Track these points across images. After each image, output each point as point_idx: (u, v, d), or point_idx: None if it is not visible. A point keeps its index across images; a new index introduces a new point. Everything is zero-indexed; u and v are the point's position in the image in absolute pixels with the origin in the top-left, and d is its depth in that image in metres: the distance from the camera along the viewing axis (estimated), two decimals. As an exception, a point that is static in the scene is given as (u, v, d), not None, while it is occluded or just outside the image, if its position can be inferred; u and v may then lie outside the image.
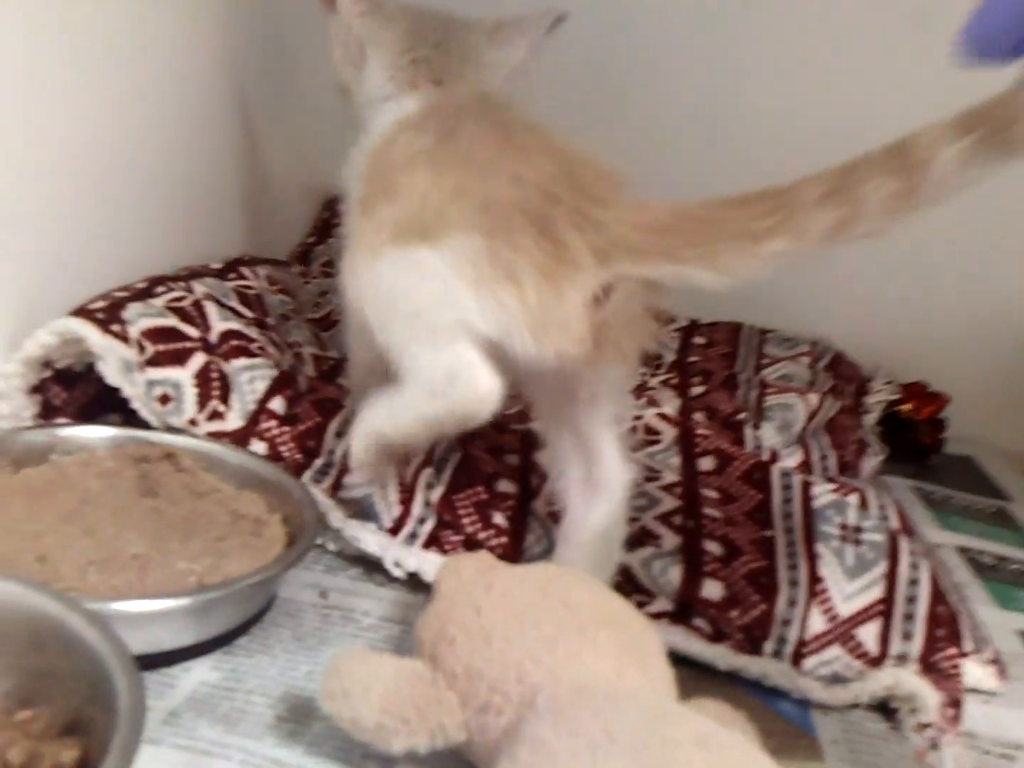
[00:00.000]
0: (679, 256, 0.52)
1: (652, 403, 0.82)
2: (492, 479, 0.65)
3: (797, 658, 0.58)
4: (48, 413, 0.64)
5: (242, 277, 0.81)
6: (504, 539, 0.61)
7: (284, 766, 0.44)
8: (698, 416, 0.82)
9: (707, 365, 0.99)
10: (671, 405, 0.82)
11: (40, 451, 0.59)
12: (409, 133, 0.60)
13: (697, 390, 0.89)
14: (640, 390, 0.85)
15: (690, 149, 1.10)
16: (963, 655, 0.59)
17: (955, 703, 0.56)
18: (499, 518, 0.62)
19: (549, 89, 0.72)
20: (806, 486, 0.67)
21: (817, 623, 0.59)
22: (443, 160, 0.56)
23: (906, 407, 1.07)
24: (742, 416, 0.85)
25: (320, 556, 0.62)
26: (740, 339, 1.08)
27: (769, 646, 0.58)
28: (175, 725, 0.46)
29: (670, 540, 0.62)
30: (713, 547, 0.62)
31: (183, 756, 0.44)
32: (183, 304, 0.68)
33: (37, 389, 0.63)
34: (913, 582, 0.61)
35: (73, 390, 0.65)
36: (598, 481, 0.59)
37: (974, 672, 0.60)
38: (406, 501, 0.63)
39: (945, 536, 0.86)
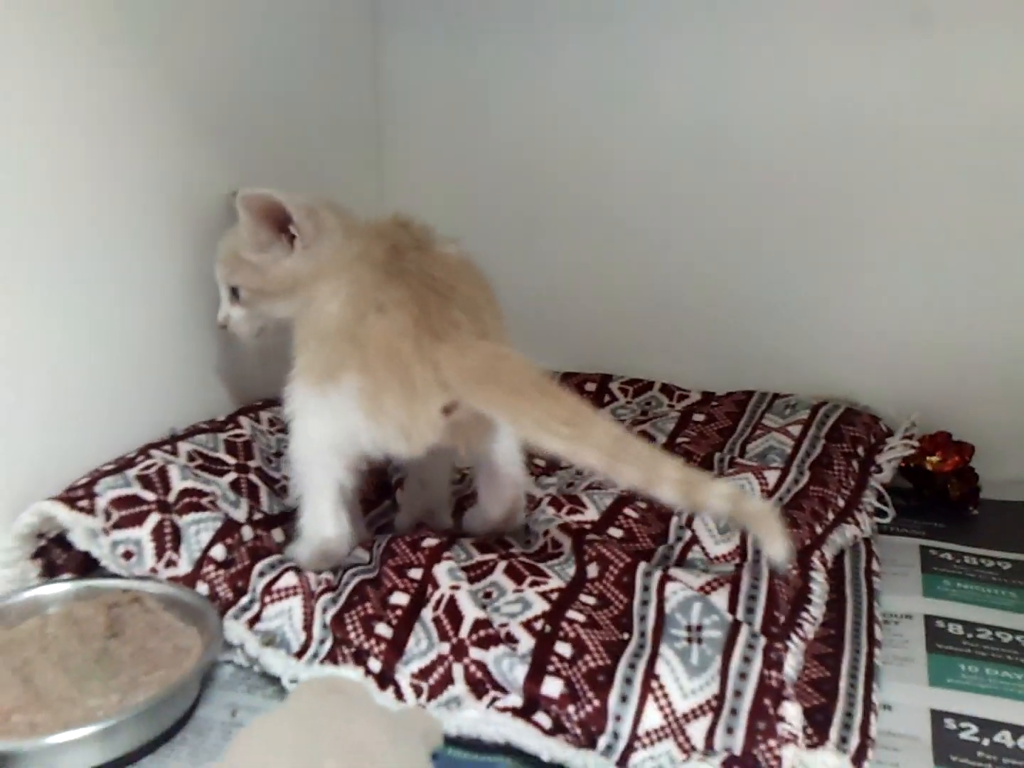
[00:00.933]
0: (475, 398, 0.72)
1: (572, 510, 0.88)
2: (389, 592, 0.75)
3: (628, 752, 0.63)
4: (52, 571, 0.81)
5: (238, 426, 0.97)
6: (384, 646, 0.71)
7: None
8: (633, 510, 0.87)
9: (692, 447, 1.03)
10: (601, 504, 0.88)
11: (28, 609, 0.76)
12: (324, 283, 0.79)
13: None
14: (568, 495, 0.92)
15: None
16: (787, 742, 0.61)
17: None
18: (383, 628, 0.72)
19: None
20: (661, 587, 0.72)
21: (652, 719, 0.64)
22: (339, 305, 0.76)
23: (933, 459, 1.06)
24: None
25: (247, 676, 0.75)
26: (745, 410, 1.11)
27: (603, 740, 0.63)
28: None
29: (526, 643, 0.69)
30: (564, 649, 0.68)
31: None
32: (149, 472, 0.84)
33: (39, 553, 0.81)
34: (742, 676, 0.65)
35: (71, 549, 0.82)
36: (494, 492, 0.82)
37: (828, 761, 0.62)
38: (308, 626, 0.74)
39: (920, 605, 0.85)
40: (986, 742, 0.67)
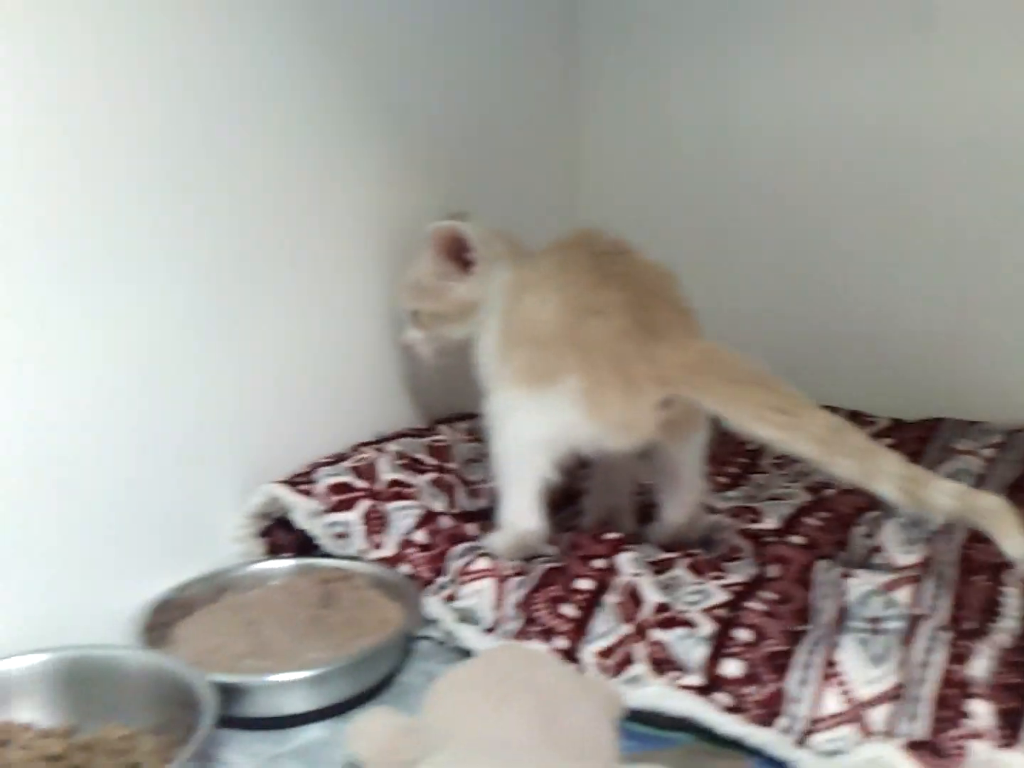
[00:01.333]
0: (694, 390, 0.77)
1: (753, 519, 0.90)
2: (575, 579, 0.79)
3: (808, 733, 0.64)
4: (275, 550, 0.91)
5: (438, 433, 1.05)
6: (570, 626, 0.75)
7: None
8: (813, 519, 0.88)
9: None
10: (780, 513, 0.90)
11: (255, 580, 0.85)
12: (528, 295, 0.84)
13: (829, 492, 0.94)
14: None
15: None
16: (977, 735, 0.61)
17: (941, 778, 0.59)
18: (568, 609, 0.76)
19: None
20: (842, 581, 0.73)
21: (832, 704, 0.65)
22: (553, 311, 0.82)
23: None
24: (871, 515, 0.89)
25: (443, 650, 0.80)
26: (935, 436, 1.09)
27: (782, 721, 0.65)
28: (274, 762, 0.67)
29: (706, 627, 0.71)
30: (743, 634, 0.70)
31: None
32: (361, 464, 0.93)
33: (265, 533, 0.90)
34: (924, 666, 0.65)
35: (292, 533, 0.91)
36: (676, 497, 0.87)
37: (1016, 762, 0.61)
38: (500, 605, 0.79)
39: None
40: None
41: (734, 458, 1.09)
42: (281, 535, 0.91)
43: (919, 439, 1.08)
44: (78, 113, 0.75)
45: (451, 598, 0.81)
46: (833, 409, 1.16)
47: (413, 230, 1.00)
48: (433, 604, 0.81)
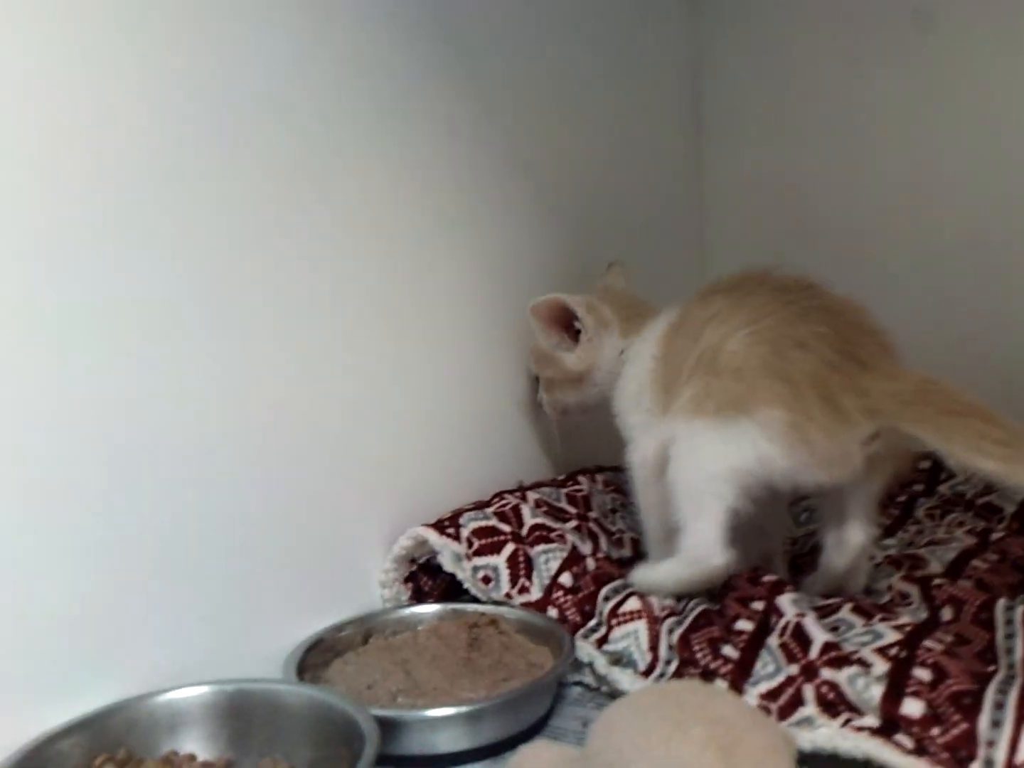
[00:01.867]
0: (906, 420, 0.74)
1: (914, 566, 0.85)
2: (733, 620, 0.76)
3: (1009, 778, 0.59)
4: (419, 596, 0.90)
5: (577, 483, 1.04)
6: (731, 667, 0.72)
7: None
8: (980, 561, 0.83)
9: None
10: (943, 559, 0.85)
11: (402, 624, 0.85)
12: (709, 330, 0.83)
13: (997, 534, 0.89)
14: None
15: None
16: None
17: None
18: (729, 650, 0.73)
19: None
20: (1029, 616, 0.68)
21: (1031, 744, 0.60)
22: (745, 343, 0.79)
23: None
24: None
25: (595, 696, 0.78)
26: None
27: (976, 766, 0.60)
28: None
29: (880, 666, 0.67)
30: (922, 673, 0.66)
31: None
32: (504, 509, 0.92)
33: (409, 579, 0.90)
34: None
35: (436, 578, 0.91)
36: (844, 540, 0.82)
37: None
38: (654, 647, 0.77)
39: None
40: None
41: (887, 509, 1.04)
42: (427, 580, 0.91)
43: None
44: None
45: (603, 641, 0.79)
46: None
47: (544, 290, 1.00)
48: (584, 647, 0.79)
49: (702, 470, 0.79)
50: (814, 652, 0.70)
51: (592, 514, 0.99)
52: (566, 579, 0.85)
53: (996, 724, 0.61)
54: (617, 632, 0.79)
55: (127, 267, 0.70)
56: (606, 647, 0.79)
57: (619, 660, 0.77)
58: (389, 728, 0.67)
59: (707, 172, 1.40)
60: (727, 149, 1.38)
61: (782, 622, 0.74)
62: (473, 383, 1.02)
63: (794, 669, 0.69)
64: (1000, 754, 0.60)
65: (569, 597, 0.84)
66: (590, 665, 0.78)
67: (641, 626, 0.79)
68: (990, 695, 0.63)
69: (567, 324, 0.97)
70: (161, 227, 0.72)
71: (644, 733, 0.54)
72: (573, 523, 0.95)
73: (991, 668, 0.66)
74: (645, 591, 0.82)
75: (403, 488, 0.93)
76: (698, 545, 0.80)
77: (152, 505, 0.72)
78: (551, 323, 0.97)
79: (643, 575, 0.84)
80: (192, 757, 0.67)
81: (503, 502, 0.94)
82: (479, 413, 1.03)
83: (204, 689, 0.70)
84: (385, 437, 0.91)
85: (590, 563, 0.88)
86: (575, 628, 0.82)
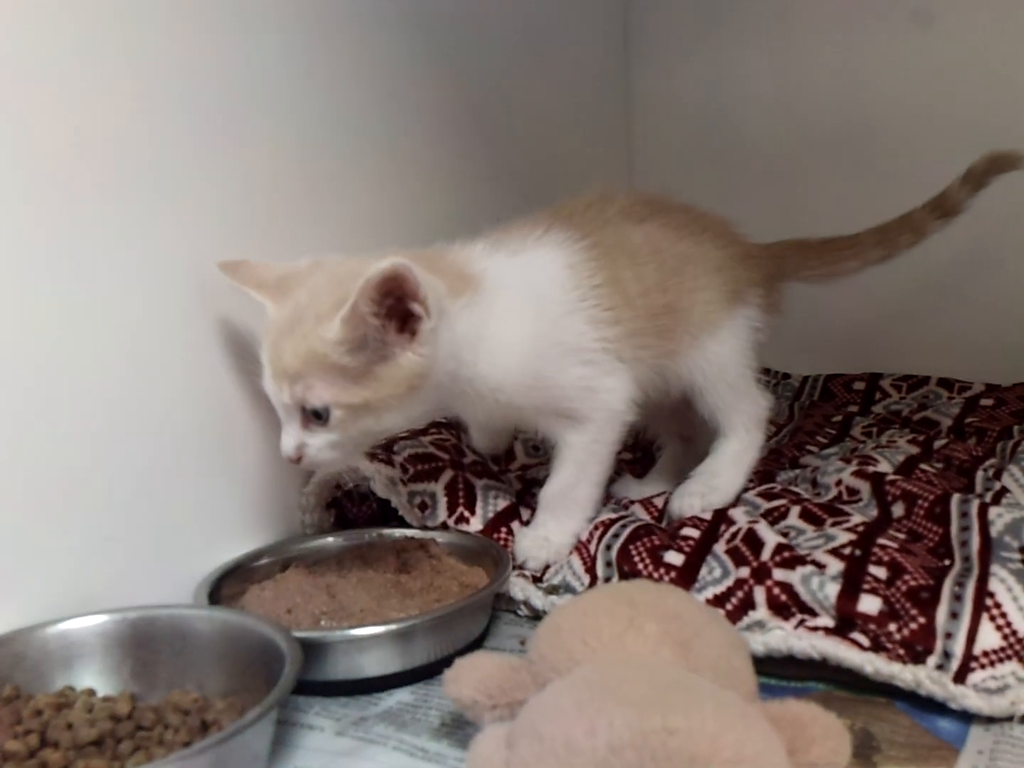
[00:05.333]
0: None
1: (864, 462, 0.82)
2: (679, 527, 0.73)
3: (964, 672, 0.56)
4: (344, 523, 0.85)
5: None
6: (674, 574, 0.68)
7: (425, 751, 0.56)
8: (928, 466, 0.81)
9: (985, 424, 0.96)
10: (892, 460, 0.82)
11: (327, 549, 0.79)
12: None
13: (939, 442, 0.87)
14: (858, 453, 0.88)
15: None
16: None
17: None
18: (672, 556, 0.70)
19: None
20: (983, 512, 0.65)
21: (990, 638, 0.57)
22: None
23: None
24: (990, 461, 0.82)
25: (532, 620, 0.73)
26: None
27: (933, 660, 0.58)
28: (359, 726, 0.60)
29: (834, 566, 0.64)
30: (878, 571, 0.63)
31: (351, 743, 0.58)
32: (443, 442, 0.87)
33: (333, 505, 0.84)
34: (1097, 589, 0.57)
35: (362, 505, 0.85)
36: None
37: None
38: (590, 569, 0.72)
39: None
40: None
41: (823, 428, 1.02)
42: (352, 507, 0.85)
43: (1021, 398, 1.01)
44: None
45: (537, 579, 0.75)
46: (925, 377, 1.12)
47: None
48: (518, 583, 0.74)
49: (748, 357, 0.84)
50: (766, 554, 0.67)
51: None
52: (509, 516, 0.80)
53: (954, 616, 0.58)
54: (551, 570, 0.75)
55: None
56: (540, 584, 0.74)
57: (556, 590, 0.73)
58: (312, 651, 0.61)
59: (634, 91, 1.35)
60: (655, 67, 1.33)
61: (732, 529, 0.71)
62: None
63: (744, 572, 0.66)
64: (958, 647, 0.57)
65: (511, 538, 0.79)
66: (525, 602, 0.73)
67: (573, 558, 0.74)
68: (947, 588, 0.60)
69: (396, 310, 0.64)
70: None
71: (595, 632, 0.50)
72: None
73: (946, 562, 0.64)
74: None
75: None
76: (760, 412, 0.84)
77: (55, 414, 0.64)
78: (385, 314, 0.64)
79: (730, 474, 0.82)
80: (91, 692, 0.60)
81: (440, 436, 0.88)
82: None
83: (103, 618, 0.63)
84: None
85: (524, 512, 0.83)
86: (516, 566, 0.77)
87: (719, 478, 0.81)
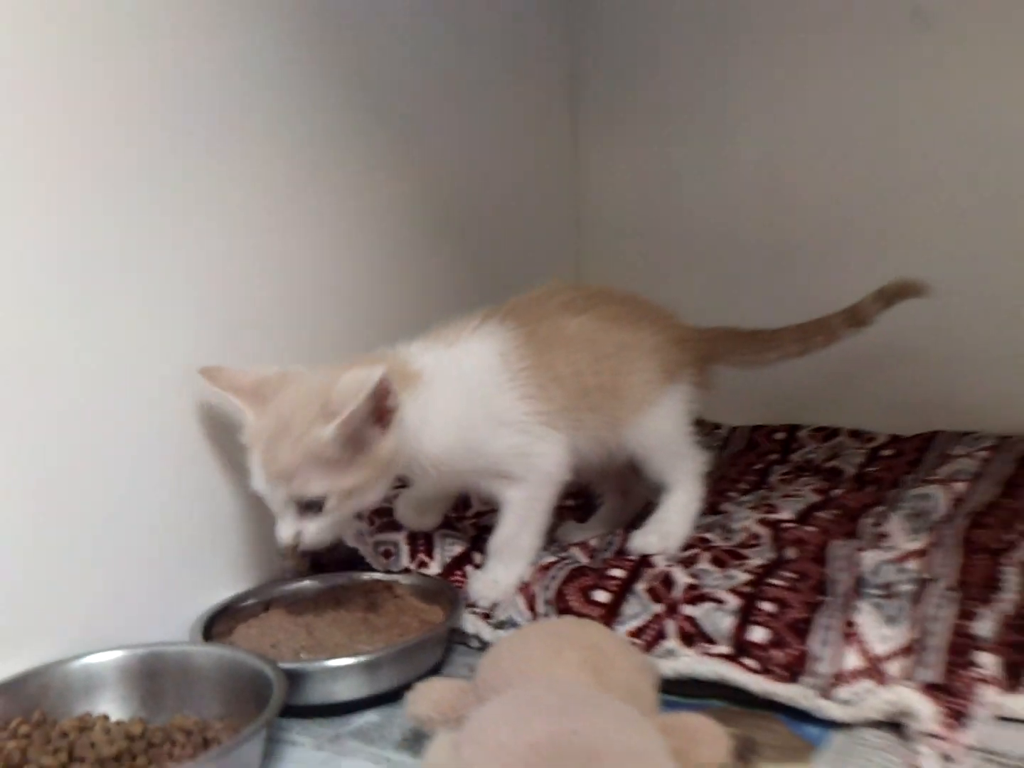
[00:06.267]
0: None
1: (769, 511, 0.96)
2: (607, 569, 0.85)
3: (829, 688, 0.69)
4: (318, 567, 0.96)
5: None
6: (602, 611, 0.81)
7: (390, 760, 0.68)
8: (824, 513, 0.94)
9: (882, 474, 1.09)
10: (794, 508, 0.96)
11: (302, 591, 0.91)
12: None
13: (837, 491, 1.01)
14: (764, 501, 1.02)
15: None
16: (985, 681, 0.66)
17: (957, 716, 0.64)
18: (600, 595, 0.82)
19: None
20: (855, 556, 0.79)
21: (852, 660, 0.70)
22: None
23: None
24: (878, 509, 0.96)
25: (481, 650, 0.85)
26: (933, 445, 1.15)
27: (807, 679, 0.70)
28: (334, 742, 0.72)
29: (732, 602, 0.77)
30: (767, 606, 0.76)
31: (328, 755, 0.70)
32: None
33: (308, 552, 0.96)
34: (935, 619, 0.70)
35: (334, 551, 0.97)
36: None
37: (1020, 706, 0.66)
38: (532, 607, 0.85)
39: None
40: None
41: (744, 476, 1.16)
42: (324, 554, 0.97)
43: (917, 449, 1.15)
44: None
45: (487, 615, 0.87)
46: (837, 428, 1.26)
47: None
48: (470, 619, 0.86)
49: (684, 425, 0.96)
50: (678, 592, 0.79)
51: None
52: (464, 560, 0.93)
53: (824, 643, 0.71)
54: (498, 609, 0.87)
55: None
56: (489, 620, 0.86)
57: (502, 625, 0.85)
58: (293, 680, 0.73)
59: (582, 177, 1.49)
60: (602, 153, 1.48)
61: (652, 571, 0.84)
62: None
63: (659, 608, 0.79)
64: (825, 667, 0.70)
65: (465, 579, 0.91)
66: (476, 635, 0.86)
67: (517, 596, 0.87)
68: (821, 620, 0.73)
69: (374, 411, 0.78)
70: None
71: (527, 660, 0.62)
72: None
73: (824, 598, 0.77)
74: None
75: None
76: (698, 467, 0.97)
77: (70, 489, 0.77)
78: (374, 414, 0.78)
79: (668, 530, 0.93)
80: (105, 717, 0.71)
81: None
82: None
83: (117, 653, 0.75)
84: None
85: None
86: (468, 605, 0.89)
87: (671, 525, 0.93)
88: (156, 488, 0.84)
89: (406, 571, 0.92)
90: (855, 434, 1.25)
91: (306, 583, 0.93)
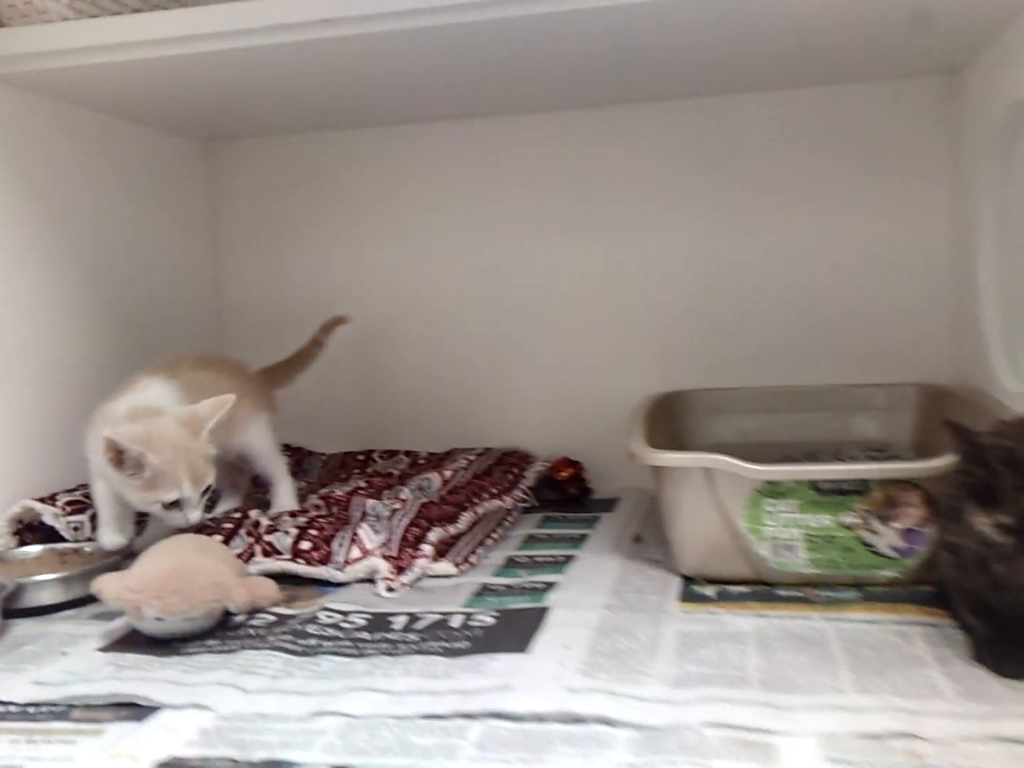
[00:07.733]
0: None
1: (331, 492, 1.57)
2: (221, 523, 1.39)
3: (345, 567, 1.27)
4: (23, 544, 1.42)
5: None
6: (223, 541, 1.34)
7: (85, 626, 1.18)
8: (362, 489, 1.55)
9: (414, 472, 1.72)
10: (344, 489, 1.57)
11: (20, 556, 1.36)
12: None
13: (378, 480, 1.63)
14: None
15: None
16: (425, 556, 1.28)
17: (400, 570, 1.25)
18: (218, 537, 1.36)
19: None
20: (363, 504, 1.40)
21: (355, 553, 1.29)
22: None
23: (562, 473, 1.76)
24: (398, 487, 1.58)
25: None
26: (450, 456, 1.81)
27: (333, 565, 1.28)
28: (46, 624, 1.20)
29: (293, 532, 1.34)
30: (312, 532, 1.34)
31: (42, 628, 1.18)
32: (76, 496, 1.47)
33: (18, 533, 1.41)
34: (397, 527, 1.33)
35: (37, 532, 1.42)
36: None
37: (439, 568, 1.29)
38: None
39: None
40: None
41: (335, 481, 1.74)
42: (30, 536, 1.43)
43: (440, 458, 1.79)
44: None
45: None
46: (395, 450, 1.89)
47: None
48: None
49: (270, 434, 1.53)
50: (263, 529, 1.36)
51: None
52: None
53: (341, 545, 1.30)
54: (156, 542, 1.38)
55: None
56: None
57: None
58: (13, 592, 1.20)
59: (224, 281, 2.05)
60: (238, 260, 2.04)
61: (249, 521, 1.39)
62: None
63: (251, 540, 1.34)
64: (340, 557, 1.29)
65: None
66: (140, 561, 1.36)
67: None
68: (339, 535, 1.33)
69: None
70: None
71: (163, 545, 1.15)
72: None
73: (344, 524, 1.36)
74: None
75: (13, 468, 1.44)
76: (284, 467, 1.53)
77: None
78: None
79: None
80: None
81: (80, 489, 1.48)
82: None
83: None
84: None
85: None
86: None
87: (284, 499, 1.51)
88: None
89: (89, 540, 1.40)
90: (408, 453, 1.88)
91: (17, 552, 1.38)
